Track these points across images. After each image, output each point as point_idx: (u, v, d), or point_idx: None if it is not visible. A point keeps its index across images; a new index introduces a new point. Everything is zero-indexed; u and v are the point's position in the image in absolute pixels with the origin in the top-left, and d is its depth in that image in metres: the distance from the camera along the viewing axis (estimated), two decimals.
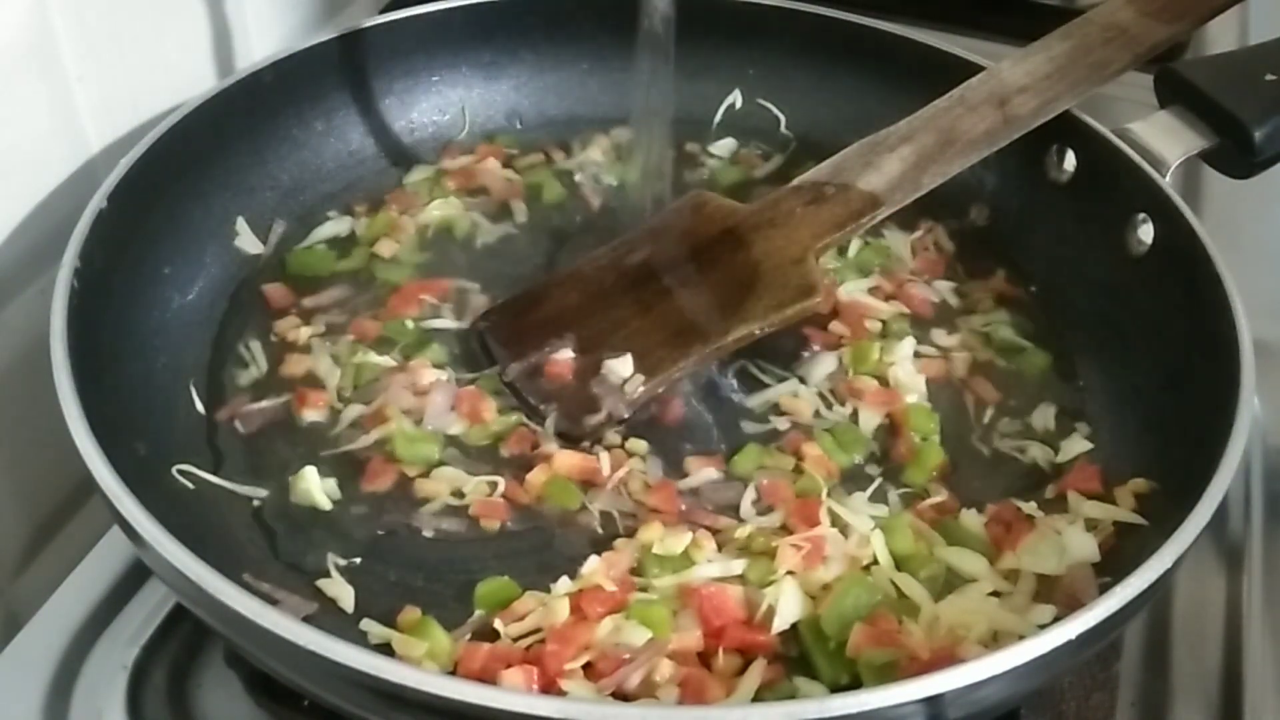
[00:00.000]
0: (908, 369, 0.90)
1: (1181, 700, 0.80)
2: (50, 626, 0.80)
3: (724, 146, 1.11)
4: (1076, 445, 0.86)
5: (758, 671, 0.70)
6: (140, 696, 0.77)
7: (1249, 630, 0.83)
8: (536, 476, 0.81)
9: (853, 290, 0.96)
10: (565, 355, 0.87)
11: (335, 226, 1.01)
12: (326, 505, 0.80)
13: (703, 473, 0.82)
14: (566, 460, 0.82)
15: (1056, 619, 0.72)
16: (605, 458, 0.82)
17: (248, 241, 0.97)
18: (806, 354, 0.91)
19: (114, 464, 0.67)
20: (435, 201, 1.03)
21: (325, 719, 0.67)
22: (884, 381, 0.89)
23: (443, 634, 0.72)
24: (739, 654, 0.72)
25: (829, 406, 0.88)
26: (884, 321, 0.94)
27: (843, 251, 0.99)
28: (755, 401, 0.88)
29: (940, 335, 0.94)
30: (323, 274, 0.97)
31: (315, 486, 0.80)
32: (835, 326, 0.93)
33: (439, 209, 1.02)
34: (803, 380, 0.89)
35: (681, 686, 0.69)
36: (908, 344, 0.91)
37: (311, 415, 0.85)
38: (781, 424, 0.87)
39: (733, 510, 0.80)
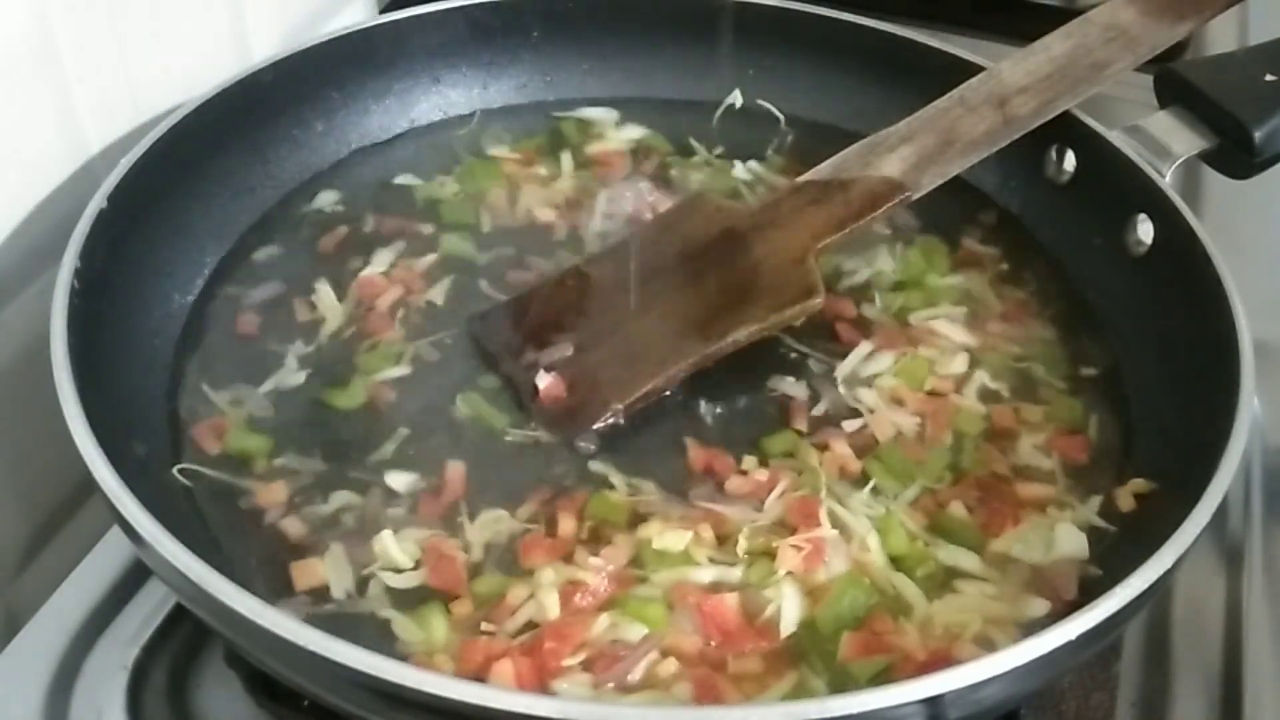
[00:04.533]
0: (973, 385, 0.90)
1: (1181, 700, 0.80)
2: (50, 626, 0.80)
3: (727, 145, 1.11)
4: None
5: (787, 684, 0.70)
6: (140, 696, 0.77)
7: (1249, 630, 0.83)
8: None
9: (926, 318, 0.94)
10: (564, 356, 0.87)
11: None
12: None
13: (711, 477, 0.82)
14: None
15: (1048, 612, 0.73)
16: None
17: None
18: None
19: (114, 464, 0.67)
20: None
21: (325, 719, 0.67)
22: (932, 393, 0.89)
23: (442, 622, 0.73)
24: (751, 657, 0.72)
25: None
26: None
27: (907, 285, 0.97)
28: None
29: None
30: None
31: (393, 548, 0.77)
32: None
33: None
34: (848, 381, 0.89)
35: (697, 688, 0.70)
36: (961, 358, 0.91)
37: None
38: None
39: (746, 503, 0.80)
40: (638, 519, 0.79)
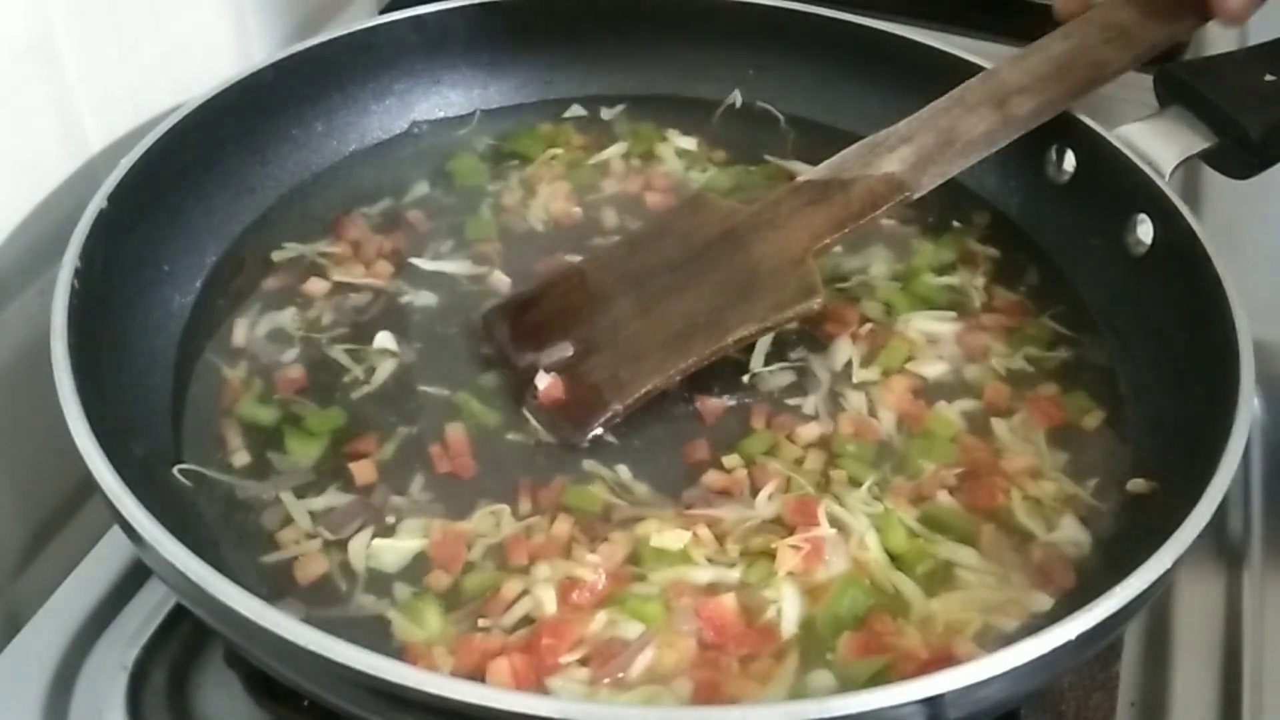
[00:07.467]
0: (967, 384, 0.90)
1: (1181, 700, 0.80)
2: (50, 626, 0.80)
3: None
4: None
5: (789, 673, 0.71)
6: (140, 696, 0.77)
7: (1249, 630, 0.83)
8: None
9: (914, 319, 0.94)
10: (563, 356, 0.87)
11: None
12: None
13: (709, 476, 0.82)
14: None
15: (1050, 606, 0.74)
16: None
17: None
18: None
19: (114, 464, 0.67)
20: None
21: (325, 719, 0.67)
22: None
23: (436, 614, 0.73)
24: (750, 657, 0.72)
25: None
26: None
27: (906, 285, 0.98)
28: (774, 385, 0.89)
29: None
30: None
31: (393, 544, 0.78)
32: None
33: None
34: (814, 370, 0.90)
35: (696, 686, 0.70)
36: (956, 358, 0.91)
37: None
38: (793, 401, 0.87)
39: (737, 504, 0.80)
40: (624, 515, 0.79)
